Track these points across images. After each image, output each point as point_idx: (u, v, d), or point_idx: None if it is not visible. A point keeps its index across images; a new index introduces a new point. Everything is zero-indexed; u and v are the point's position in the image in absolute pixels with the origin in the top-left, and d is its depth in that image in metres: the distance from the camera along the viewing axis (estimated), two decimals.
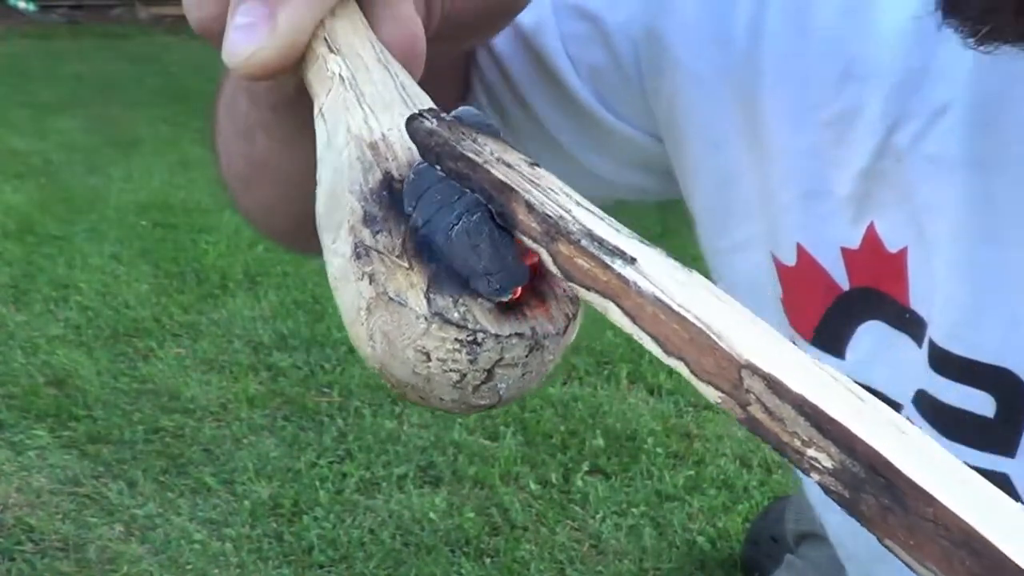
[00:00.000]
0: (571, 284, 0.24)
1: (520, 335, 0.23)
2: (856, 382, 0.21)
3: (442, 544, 2.03)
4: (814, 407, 0.19)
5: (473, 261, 0.23)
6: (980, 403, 0.41)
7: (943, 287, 0.42)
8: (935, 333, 0.43)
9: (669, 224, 4.22)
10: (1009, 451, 0.40)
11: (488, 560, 1.99)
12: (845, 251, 0.45)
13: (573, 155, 0.57)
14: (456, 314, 0.23)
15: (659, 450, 2.37)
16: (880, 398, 0.20)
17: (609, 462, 2.32)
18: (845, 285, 0.45)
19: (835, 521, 0.55)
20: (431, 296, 0.23)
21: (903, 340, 0.44)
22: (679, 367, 0.22)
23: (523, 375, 0.23)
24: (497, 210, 0.23)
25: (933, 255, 0.42)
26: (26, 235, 3.58)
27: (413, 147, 0.26)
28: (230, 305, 3.06)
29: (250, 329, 2.91)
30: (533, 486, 2.23)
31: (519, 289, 0.23)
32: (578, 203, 0.25)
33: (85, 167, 4.54)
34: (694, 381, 0.22)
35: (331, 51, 0.32)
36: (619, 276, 0.24)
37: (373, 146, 0.26)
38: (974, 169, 0.41)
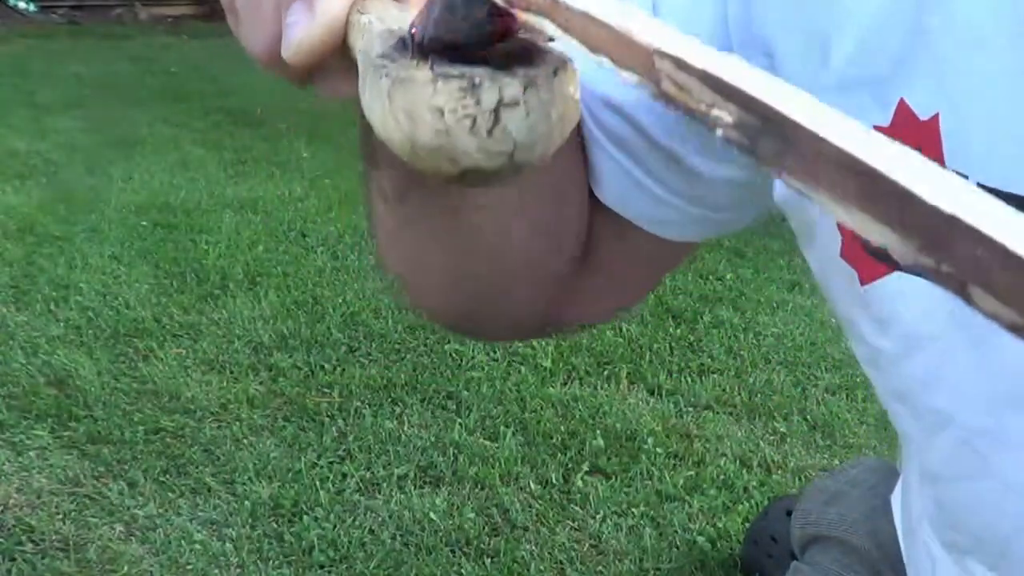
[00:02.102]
0: (515, 9, 0.28)
1: (513, 75, 0.28)
2: None
3: (442, 544, 2.03)
4: (715, 77, 0.23)
5: (451, 22, 0.28)
6: None
7: (978, 141, 0.45)
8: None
9: None
10: None
11: (488, 560, 1.99)
12: (878, 128, 0.46)
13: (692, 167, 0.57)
14: (455, 71, 0.28)
15: (659, 450, 2.37)
16: None
17: (609, 462, 2.33)
18: None
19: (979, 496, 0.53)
20: (433, 67, 0.28)
21: None
22: (603, 60, 0.26)
23: (527, 114, 0.28)
24: None
25: (965, 114, 0.45)
26: (26, 235, 3.58)
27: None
28: (230, 305, 3.06)
29: (250, 329, 2.91)
30: (533, 486, 2.23)
31: (497, 34, 0.29)
32: None
33: (85, 167, 4.55)
34: (616, 69, 0.26)
35: (362, 14, 0.37)
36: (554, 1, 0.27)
37: (392, 32, 0.32)
38: (1010, 39, 0.43)
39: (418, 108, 0.28)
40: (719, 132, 0.24)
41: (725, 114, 0.23)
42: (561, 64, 0.29)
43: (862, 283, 0.52)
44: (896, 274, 0.50)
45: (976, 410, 0.50)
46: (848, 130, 0.21)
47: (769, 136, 0.22)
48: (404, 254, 0.60)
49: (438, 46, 0.29)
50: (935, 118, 0.46)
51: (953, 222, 0.19)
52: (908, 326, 0.51)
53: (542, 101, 0.28)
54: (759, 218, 0.62)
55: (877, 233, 0.20)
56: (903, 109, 0.47)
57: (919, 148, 0.45)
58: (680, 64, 0.24)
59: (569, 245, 0.60)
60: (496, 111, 0.27)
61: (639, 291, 0.67)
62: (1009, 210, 0.19)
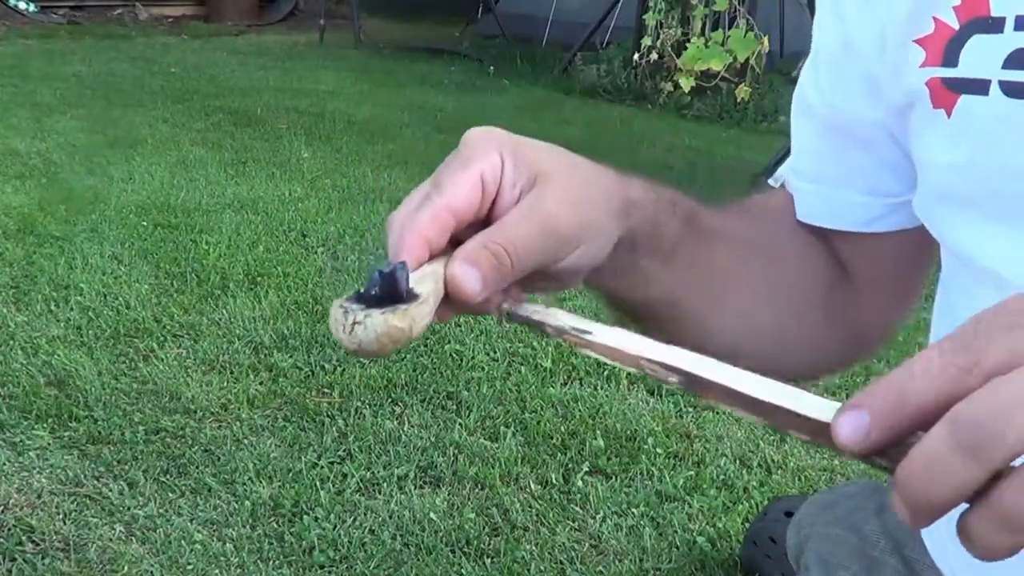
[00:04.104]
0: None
1: (364, 310, 0.48)
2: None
3: (442, 544, 2.03)
4: (673, 366, 0.48)
5: (370, 287, 0.49)
6: None
7: None
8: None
9: None
10: None
11: (488, 560, 1.99)
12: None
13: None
14: (345, 302, 0.49)
15: (659, 450, 2.37)
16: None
17: (609, 462, 2.33)
18: (957, 25, 0.57)
19: None
20: (344, 302, 0.49)
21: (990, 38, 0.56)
22: (602, 359, 0.51)
23: (364, 330, 0.47)
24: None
25: None
26: (26, 235, 3.58)
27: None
28: (230, 305, 3.06)
29: (250, 329, 2.91)
30: (533, 486, 2.23)
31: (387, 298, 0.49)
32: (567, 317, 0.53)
33: (85, 167, 4.55)
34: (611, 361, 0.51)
35: None
36: (578, 336, 0.52)
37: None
38: None
39: (333, 316, 0.49)
40: (668, 384, 0.48)
41: (673, 378, 0.48)
42: (395, 311, 0.48)
43: None
44: None
45: None
46: (729, 374, 0.46)
47: (687, 381, 0.47)
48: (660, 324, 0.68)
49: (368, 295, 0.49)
50: None
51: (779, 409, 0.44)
52: None
53: (373, 326, 0.47)
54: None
55: (745, 416, 0.46)
56: None
57: None
58: (657, 362, 0.48)
59: (801, 305, 0.71)
60: (352, 325, 0.47)
61: (906, 291, 0.74)
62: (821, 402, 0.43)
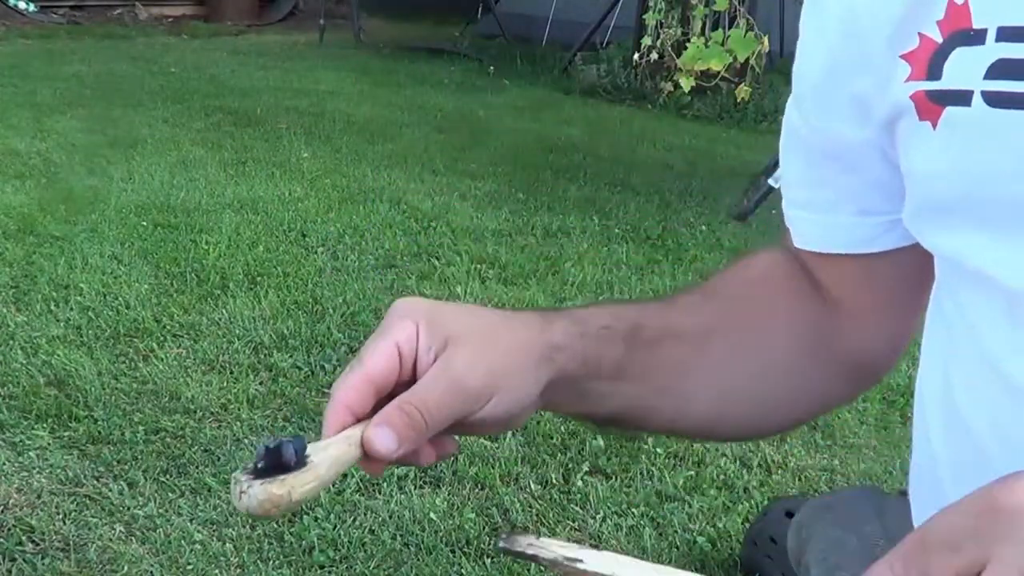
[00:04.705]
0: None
1: (249, 480, 0.54)
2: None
3: (442, 544, 2.03)
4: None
5: (258, 454, 0.55)
6: None
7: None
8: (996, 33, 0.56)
9: (669, 224, 4.23)
10: None
11: (488, 560, 1.99)
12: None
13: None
14: (239, 473, 0.55)
15: (659, 450, 2.37)
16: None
17: (609, 462, 2.33)
18: (940, 39, 0.59)
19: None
20: (238, 473, 0.55)
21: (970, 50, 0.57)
22: None
23: (250, 497, 0.54)
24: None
25: None
26: (26, 235, 3.58)
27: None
28: (230, 305, 3.06)
29: (250, 329, 2.91)
30: (533, 486, 2.23)
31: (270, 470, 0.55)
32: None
33: (85, 167, 4.55)
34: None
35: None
36: (570, 566, 0.56)
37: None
38: None
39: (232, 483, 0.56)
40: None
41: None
42: (272, 481, 0.54)
43: None
44: None
45: None
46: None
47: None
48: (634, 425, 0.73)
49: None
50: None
51: None
52: None
53: (255, 495, 0.53)
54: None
55: None
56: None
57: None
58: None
59: (788, 361, 0.74)
60: (240, 494, 0.54)
61: (908, 313, 0.75)
62: None
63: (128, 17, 10.31)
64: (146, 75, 7.08)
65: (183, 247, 3.55)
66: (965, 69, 0.57)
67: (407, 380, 0.60)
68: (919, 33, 0.60)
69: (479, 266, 3.55)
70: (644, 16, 6.96)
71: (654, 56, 6.89)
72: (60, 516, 2.06)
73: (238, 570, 1.94)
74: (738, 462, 2.35)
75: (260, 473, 0.54)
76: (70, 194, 4.11)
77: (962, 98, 0.57)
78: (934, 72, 0.59)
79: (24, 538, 1.99)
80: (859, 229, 0.70)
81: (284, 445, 0.54)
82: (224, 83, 6.83)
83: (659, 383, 0.69)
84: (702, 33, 6.60)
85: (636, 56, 7.01)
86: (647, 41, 6.91)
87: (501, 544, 0.57)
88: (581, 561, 0.54)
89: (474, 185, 4.58)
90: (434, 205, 4.22)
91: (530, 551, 0.55)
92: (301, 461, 0.55)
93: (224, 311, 3.02)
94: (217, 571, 1.93)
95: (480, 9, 9.82)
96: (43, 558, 1.94)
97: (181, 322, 2.94)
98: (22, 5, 9.61)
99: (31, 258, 3.37)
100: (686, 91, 6.59)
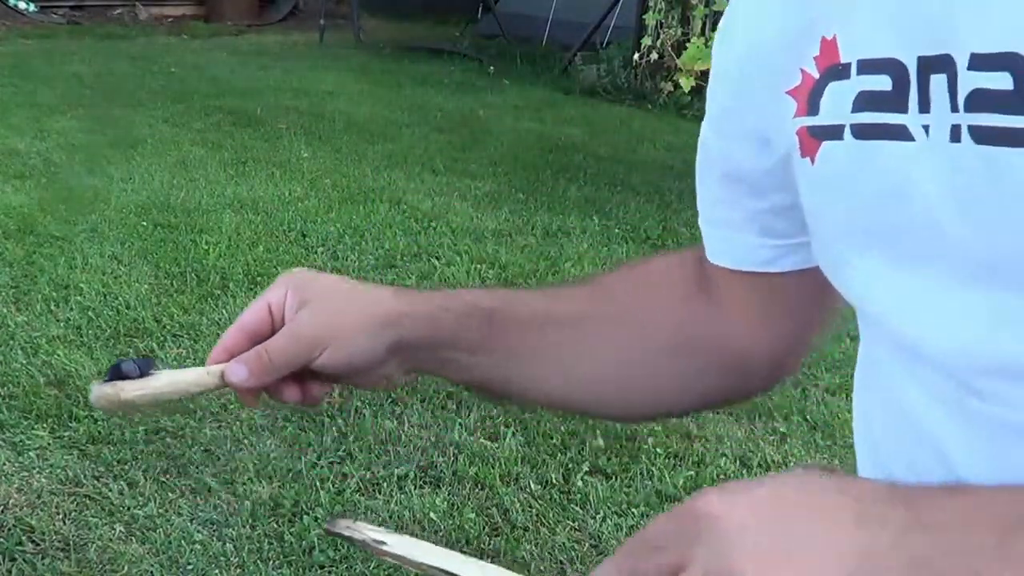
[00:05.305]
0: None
1: (94, 384, 0.66)
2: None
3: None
4: (451, 572, 0.62)
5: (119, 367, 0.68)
6: (881, 83, 0.57)
7: (862, 36, 0.58)
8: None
9: (669, 224, 4.23)
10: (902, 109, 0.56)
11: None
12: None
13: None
14: (103, 380, 0.67)
15: (659, 450, 2.37)
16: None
17: (609, 462, 2.33)
18: (817, 75, 0.62)
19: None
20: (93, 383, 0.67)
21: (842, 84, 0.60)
22: (399, 563, 0.61)
23: (92, 393, 0.66)
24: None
25: (851, 26, 0.59)
26: (26, 235, 3.58)
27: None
28: (230, 306, 3.06)
29: None
30: (533, 486, 2.23)
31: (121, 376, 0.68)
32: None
33: (85, 167, 4.55)
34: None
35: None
36: (376, 547, 0.62)
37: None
38: None
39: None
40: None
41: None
42: (104, 383, 0.67)
43: None
44: None
45: None
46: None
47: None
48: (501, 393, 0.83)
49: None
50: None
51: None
52: None
53: (92, 391, 0.65)
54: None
55: None
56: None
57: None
58: (435, 568, 0.60)
59: (660, 356, 0.79)
60: (90, 393, 0.67)
61: (810, 326, 0.79)
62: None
63: (128, 17, 10.31)
64: (146, 75, 7.08)
65: (183, 247, 3.55)
66: (836, 104, 0.59)
67: (278, 331, 0.74)
68: (801, 69, 0.62)
69: (479, 266, 3.55)
70: (644, 16, 6.96)
71: (654, 56, 6.89)
72: (60, 516, 2.06)
73: (238, 570, 1.94)
74: (738, 462, 2.35)
75: (106, 383, 0.68)
76: (70, 194, 4.11)
77: (835, 132, 0.59)
78: (813, 107, 0.61)
79: (24, 538, 1.99)
80: (762, 250, 0.74)
81: (124, 362, 0.67)
82: (224, 83, 6.84)
83: (523, 360, 0.78)
84: (702, 33, 6.60)
85: (636, 56, 7.01)
86: (647, 41, 6.91)
87: (326, 526, 0.65)
88: (385, 544, 0.62)
89: (474, 185, 4.58)
90: (434, 205, 4.22)
91: (346, 532, 0.64)
92: (144, 376, 0.69)
93: (224, 311, 3.02)
94: (217, 571, 1.93)
95: (480, 9, 9.82)
96: (43, 558, 1.94)
97: (181, 322, 2.94)
98: (22, 5, 9.61)
99: (31, 258, 3.37)
100: (686, 91, 6.60)
